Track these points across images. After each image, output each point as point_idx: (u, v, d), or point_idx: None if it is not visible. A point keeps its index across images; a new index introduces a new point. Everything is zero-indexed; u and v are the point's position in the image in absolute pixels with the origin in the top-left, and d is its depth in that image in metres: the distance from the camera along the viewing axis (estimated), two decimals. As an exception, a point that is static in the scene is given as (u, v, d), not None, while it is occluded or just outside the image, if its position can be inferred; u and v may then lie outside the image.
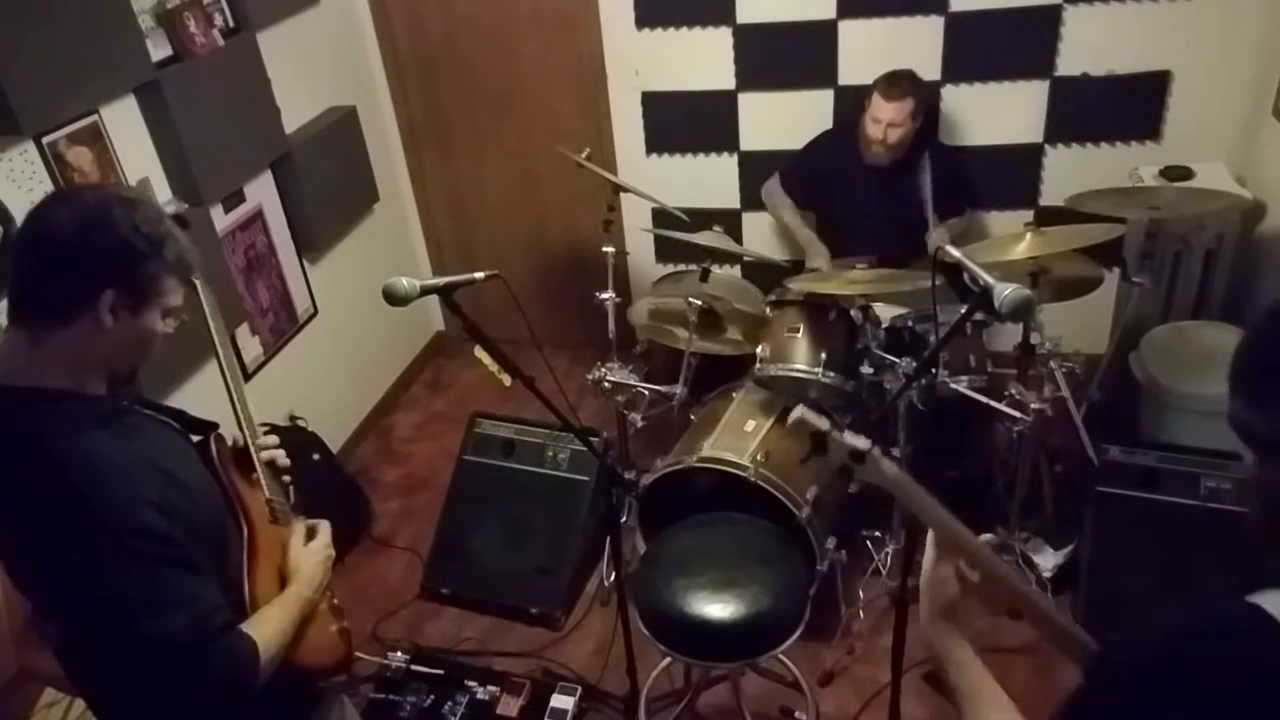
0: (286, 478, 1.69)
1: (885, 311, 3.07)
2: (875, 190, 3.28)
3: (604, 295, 3.06)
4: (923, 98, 3.17)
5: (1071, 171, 3.45)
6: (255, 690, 1.36)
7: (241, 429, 1.64)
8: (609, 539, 2.52)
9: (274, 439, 1.69)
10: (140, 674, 1.31)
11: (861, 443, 1.20)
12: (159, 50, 2.77)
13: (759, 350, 2.86)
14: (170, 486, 1.32)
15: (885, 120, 3.11)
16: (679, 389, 2.91)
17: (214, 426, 1.60)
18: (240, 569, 1.46)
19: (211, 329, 1.67)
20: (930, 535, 1.23)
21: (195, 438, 1.56)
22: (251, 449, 1.62)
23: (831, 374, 2.78)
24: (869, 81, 3.22)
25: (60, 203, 1.33)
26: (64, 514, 1.23)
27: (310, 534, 1.62)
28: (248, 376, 3.21)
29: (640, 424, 3.07)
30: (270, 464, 1.65)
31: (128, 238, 1.29)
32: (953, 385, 2.70)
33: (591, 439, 2.14)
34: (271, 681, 1.39)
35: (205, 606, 1.32)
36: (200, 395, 2.82)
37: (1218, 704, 0.81)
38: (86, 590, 1.26)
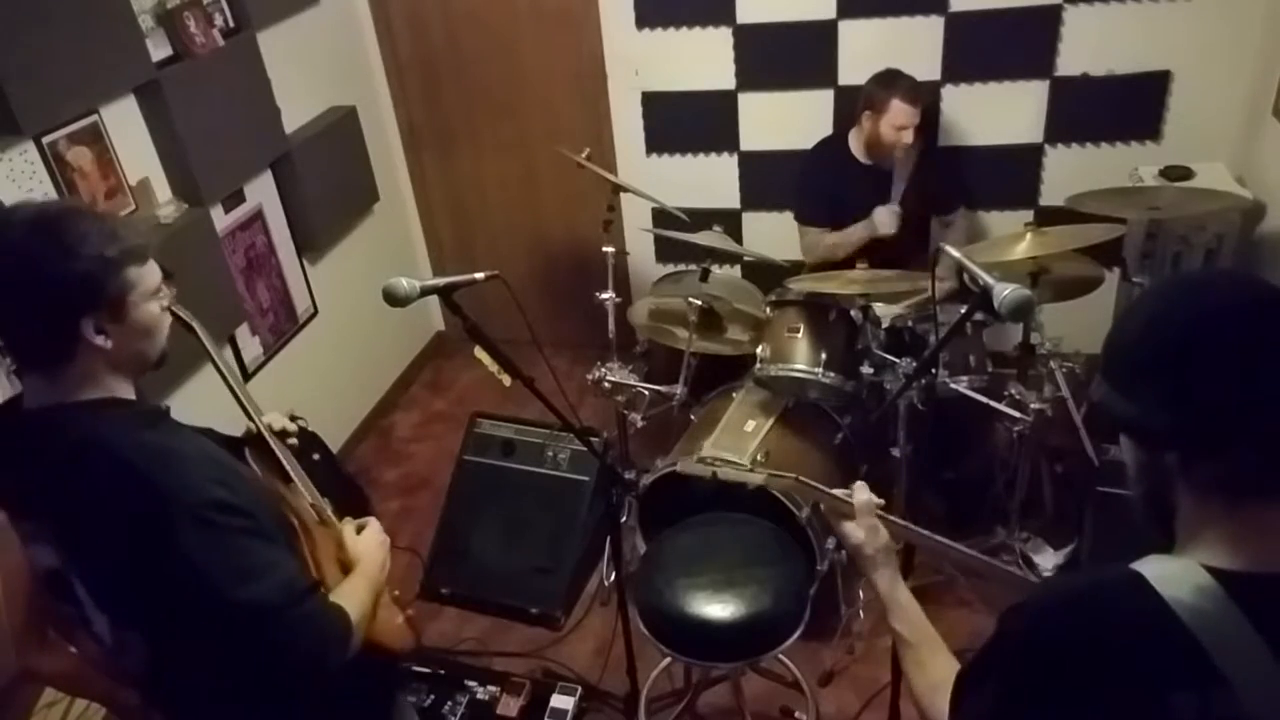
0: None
1: (885, 311, 3.07)
2: (880, 191, 3.27)
3: (604, 295, 3.06)
4: None
5: (1071, 171, 3.44)
6: (345, 659, 1.37)
7: (262, 433, 1.61)
8: (609, 539, 2.52)
9: (293, 427, 1.68)
10: (237, 648, 1.31)
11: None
12: (159, 50, 2.77)
13: (759, 350, 2.86)
14: (227, 471, 1.33)
15: (909, 125, 3.08)
16: (679, 389, 2.91)
17: (244, 443, 1.60)
18: (307, 568, 1.46)
19: (211, 352, 1.64)
20: (829, 506, 1.46)
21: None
22: (278, 451, 1.61)
23: (831, 374, 2.78)
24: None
25: None
26: (140, 504, 1.23)
27: (360, 530, 1.64)
28: (248, 377, 3.22)
29: (640, 424, 3.07)
30: (282, 435, 1.64)
31: (72, 272, 1.23)
32: (953, 385, 2.70)
33: (591, 439, 2.15)
34: (352, 676, 1.40)
35: (290, 570, 1.33)
36: (200, 396, 2.82)
37: (1092, 657, 0.89)
38: (175, 570, 1.24)
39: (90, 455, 1.25)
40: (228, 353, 3.13)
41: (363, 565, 1.55)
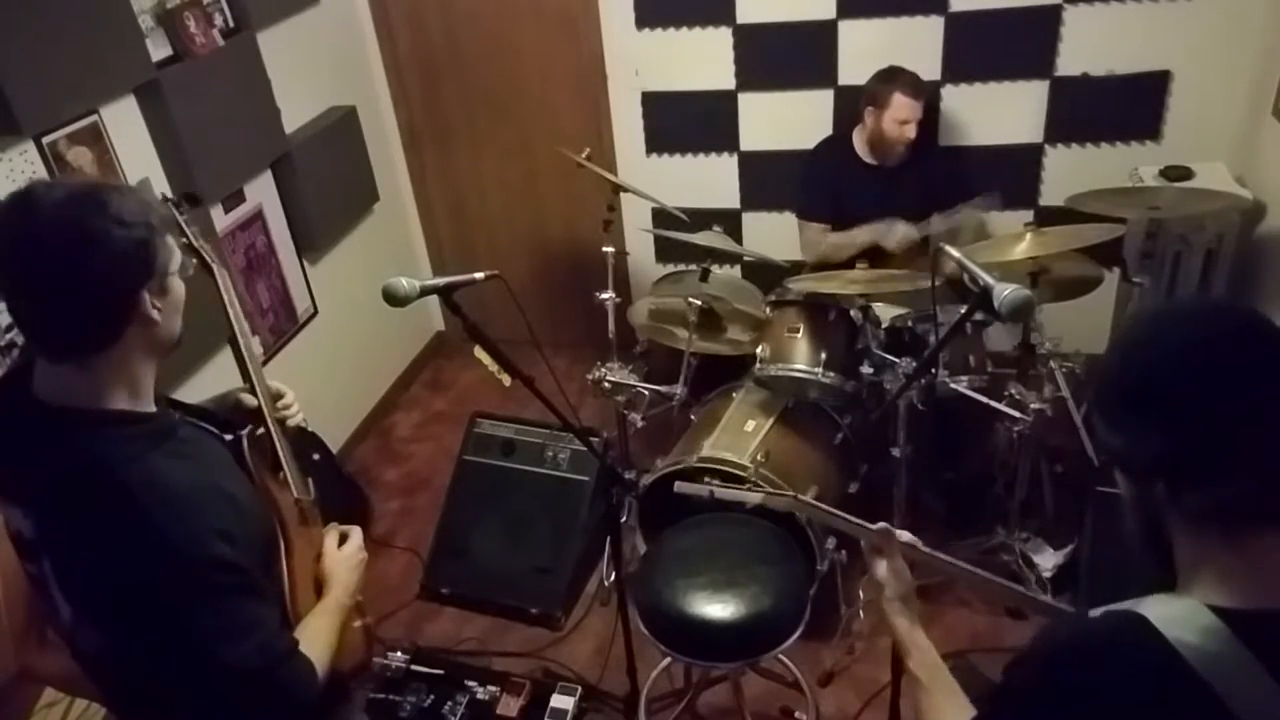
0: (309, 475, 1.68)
1: (885, 311, 3.07)
2: (883, 190, 3.27)
3: (604, 295, 3.06)
4: None
5: (1071, 171, 3.44)
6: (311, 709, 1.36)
7: (262, 406, 1.61)
8: (609, 539, 2.52)
9: (294, 409, 1.68)
10: (209, 699, 1.30)
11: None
12: (159, 50, 2.77)
13: (759, 350, 2.86)
14: (230, 510, 1.30)
15: (912, 119, 3.09)
16: (679, 389, 2.91)
17: (241, 426, 1.56)
18: (281, 579, 1.44)
19: (229, 313, 1.65)
20: (864, 541, 1.45)
21: (227, 437, 1.52)
22: (276, 437, 1.60)
23: (831, 374, 2.78)
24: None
25: (34, 226, 1.18)
26: (139, 547, 1.20)
27: (342, 540, 1.62)
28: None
29: (640, 424, 3.07)
30: (281, 423, 1.64)
31: (130, 240, 1.20)
32: (953, 385, 2.70)
33: (591, 439, 2.15)
34: None
35: (271, 631, 1.32)
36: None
37: (1104, 708, 0.87)
38: (161, 622, 1.24)
39: (98, 479, 1.21)
40: (226, 353, 3.13)
41: (333, 594, 1.51)
